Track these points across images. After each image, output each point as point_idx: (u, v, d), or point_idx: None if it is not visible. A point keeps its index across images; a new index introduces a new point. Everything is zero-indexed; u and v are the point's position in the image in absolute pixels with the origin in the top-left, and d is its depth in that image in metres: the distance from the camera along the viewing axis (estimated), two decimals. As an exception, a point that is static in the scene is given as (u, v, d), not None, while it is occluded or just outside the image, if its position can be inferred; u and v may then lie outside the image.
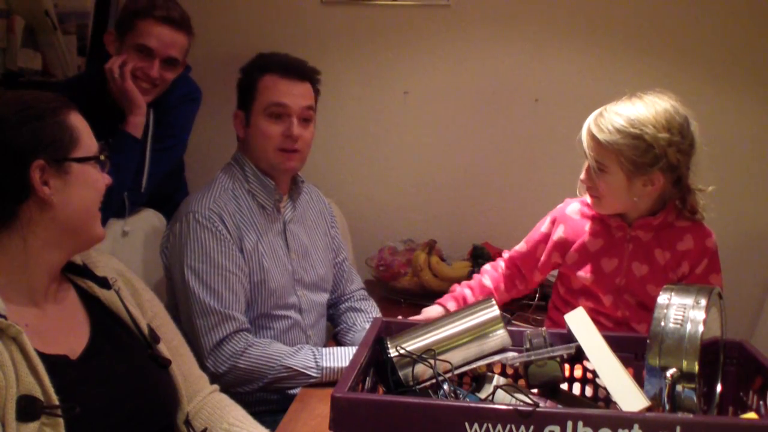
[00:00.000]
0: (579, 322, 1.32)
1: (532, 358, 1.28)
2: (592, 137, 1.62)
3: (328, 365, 1.70)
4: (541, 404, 1.14)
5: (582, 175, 1.69)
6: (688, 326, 1.14)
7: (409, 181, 2.78)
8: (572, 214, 1.78)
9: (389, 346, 1.27)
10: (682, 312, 1.16)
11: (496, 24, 2.66)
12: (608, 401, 1.30)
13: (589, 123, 1.64)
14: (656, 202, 1.66)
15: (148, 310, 1.37)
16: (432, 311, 1.81)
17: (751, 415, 1.18)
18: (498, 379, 1.30)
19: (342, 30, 2.70)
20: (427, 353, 1.25)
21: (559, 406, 1.23)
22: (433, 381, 1.25)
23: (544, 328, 1.34)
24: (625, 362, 1.24)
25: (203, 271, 1.73)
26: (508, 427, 1.00)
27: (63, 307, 1.23)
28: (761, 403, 1.19)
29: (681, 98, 1.63)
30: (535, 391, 1.30)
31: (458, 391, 1.26)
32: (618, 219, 1.70)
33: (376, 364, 1.27)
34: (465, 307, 1.35)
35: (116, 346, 1.26)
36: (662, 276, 1.66)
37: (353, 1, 2.69)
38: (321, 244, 2.01)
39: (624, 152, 1.57)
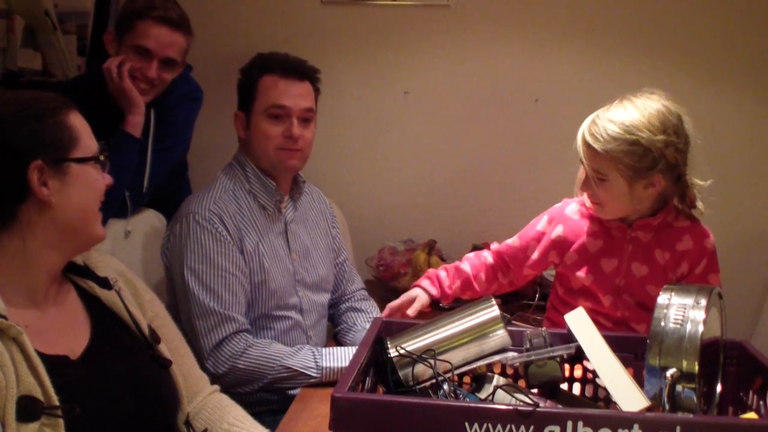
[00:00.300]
0: (579, 322, 1.32)
1: (532, 358, 1.28)
2: (588, 146, 1.59)
3: (328, 365, 1.70)
4: (541, 404, 1.14)
5: (578, 185, 1.68)
6: (688, 326, 1.14)
7: (409, 181, 2.78)
8: (571, 214, 1.77)
9: (389, 346, 1.27)
10: (682, 312, 1.16)
11: (496, 24, 2.66)
12: (608, 401, 1.30)
13: (584, 132, 1.61)
14: (657, 201, 1.66)
15: (149, 311, 1.37)
16: (412, 293, 1.78)
17: (751, 415, 1.18)
18: (498, 379, 1.30)
19: (342, 30, 2.71)
20: (427, 353, 1.25)
21: (559, 406, 1.23)
22: (433, 381, 1.24)
23: (544, 328, 1.34)
24: (625, 362, 1.24)
25: (203, 272, 1.73)
26: (508, 427, 1.00)
27: (64, 307, 1.23)
28: (761, 403, 1.19)
29: (680, 97, 1.62)
30: (535, 391, 1.30)
31: (458, 391, 1.26)
32: (617, 220, 1.69)
33: (376, 364, 1.27)
34: (465, 307, 1.35)
35: (117, 346, 1.25)
36: (662, 276, 1.66)
37: (353, 1, 2.69)
38: (322, 244, 2.01)
39: (622, 159, 1.56)
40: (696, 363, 1.12)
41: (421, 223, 2.75)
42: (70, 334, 1.21)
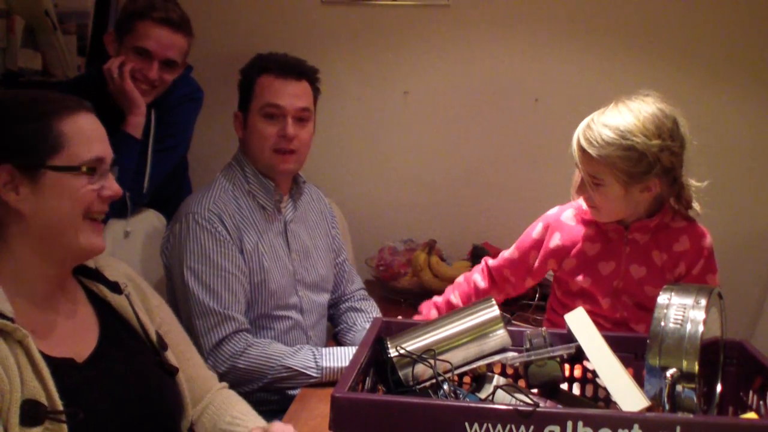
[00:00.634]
0: (579, 322, 1.32)
1: (532, 358, 1.28)
2: (583, 152, 1.59)
3: (328, 365, 1.70)
4: (541, 404, 1.14)
5: (574, 188, 1.67)
6: (688, 326, 1.14)
7: (409, 181, 2.78)
8: (567, 220, 1.76)
9: (389, 346, 1.27)
10: (682, 312, 1.16)
11: (495, 24, 2.66)
12: (608, 401, 1.30)
13: (578, 137, 1.60)
14: (653, 203, 1.66)
15: (156, 316, 1.36)
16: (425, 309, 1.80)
17: (751, 415, 1.19)
18: (498, 379, 1.30)
19: (342, 30, 2.71)
20: (427, 353, 1.25)
21: (559, 406, 1.23)
22: (433, 381, 1.24)
23: (544, 328, 1.34)
24: (625, 362, 1.24)
25: (202, 272, 1.73)
26: (508, 427, 1.00)
27: (72, 310, 1.22)
28: (761, 403, 1.19)
29: (679, 97, 1.62)
30: (535, 391, 1.30)
31: (458, 391, 1.26)
32: (614, 223, 1.69)
33: (376, 364, 1.27)
34: (465, 307, 1.35)
35: (124, 351, 1.25)
36: (660, 277, 1.65)
37: (353, 1, 2.69)
38: (322, 244, 2.01)
39: (617, 164, 1.55)
40: (696, 363, 1.12)
41: (421, 223, 2.75)
42: (78, 337, 1.20)
